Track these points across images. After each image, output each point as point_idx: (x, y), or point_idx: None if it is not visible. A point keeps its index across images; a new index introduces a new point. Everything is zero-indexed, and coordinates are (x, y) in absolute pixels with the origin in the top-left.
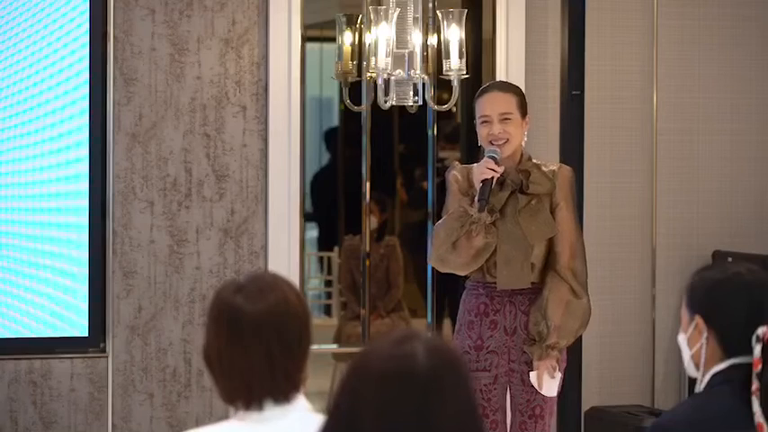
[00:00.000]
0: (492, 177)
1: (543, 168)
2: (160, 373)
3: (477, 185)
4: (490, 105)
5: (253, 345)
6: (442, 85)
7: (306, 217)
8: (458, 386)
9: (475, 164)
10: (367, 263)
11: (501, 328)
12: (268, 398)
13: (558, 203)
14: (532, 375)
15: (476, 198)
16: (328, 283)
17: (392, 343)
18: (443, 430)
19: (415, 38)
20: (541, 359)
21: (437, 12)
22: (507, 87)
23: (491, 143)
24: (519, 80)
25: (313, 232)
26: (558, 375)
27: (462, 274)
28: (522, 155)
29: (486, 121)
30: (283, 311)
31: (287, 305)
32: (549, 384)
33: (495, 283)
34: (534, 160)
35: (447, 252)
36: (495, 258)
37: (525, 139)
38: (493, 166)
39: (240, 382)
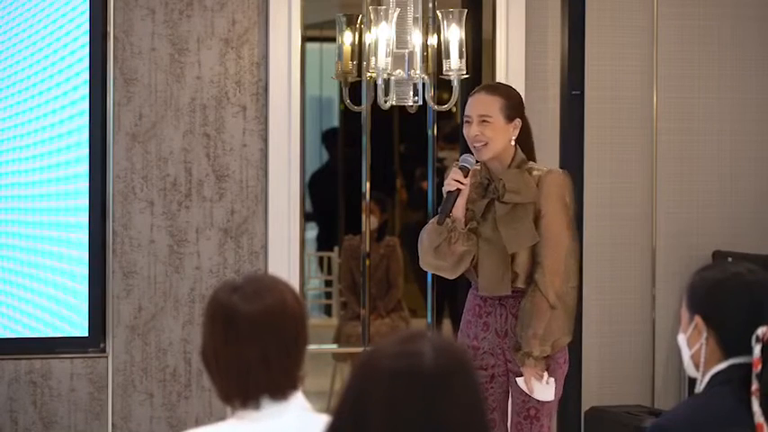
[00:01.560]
0: (456, 189)
1: (534, 173)
2: (160, 373)
3: (444, 194)
4: (472, 106)
5: (249, 344)
6: (442, 85)
7: (306, 217)
8: (465, 384)
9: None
10: (367, 263)
11: (492, 330)
12: (265, 395)
13: (542, 211)
14: (519, 381)
15: (439, 208)
16: (328, 283)
17: (400, 341)
18: (450, 428)
19: (415, 38)
20: (523, 366)
21: (437, 12)
22: (494, 90)
23: (473, 146)
24: (519, 80)
25: (313, 232)
26: (552, 381)
27: (451, 277)
28: (513, 159)
29: (467, 122)
30: (280, 312)
31: (284, 306)
32: (540, 389)
33: None
34: (529, 164)
35: (431, 257)
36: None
37: (513, 142)
38: (459, 177)
39: (237, 381)
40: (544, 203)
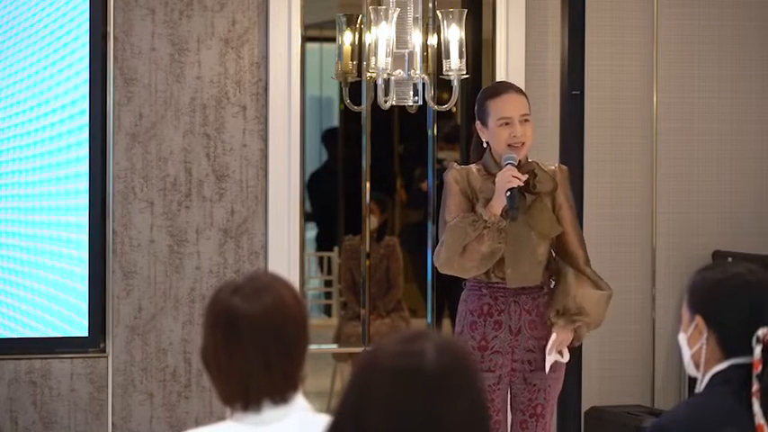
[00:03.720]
0: (517, 186)
1: (543, 168)
2: (160, 373)
3: (504, 195)
4: (511, 107)
5: (249, 347)
6: (442, 85)
7: (306, 217)
8: (467, 384)
9: (473, 164)
10: (367, 263)
11: (506, 328)
12: (266, 399)
13: (562, 203)
14: (548, 359)
15: (506, 209)
16: (328, 283)
17: (402, 340)
18: (451, 428)
19: (415, 38)
20: (565, 327)
21: (437, 12)
22: (519, 89)
23: (510, 146)
24: (519, 80)
25: (313, 232)
26: (567, 356)
27: (466, 277)
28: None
29: (507, 123)
30: (280, 313)
31: (284, 307)
32: (565, 354)
33: (498, 282)
34: (530, 159)
35: (456, 255)
36: (504, 257)
37: None
38: (517, 173)
39: (237, 383)
40: (562, 195)
